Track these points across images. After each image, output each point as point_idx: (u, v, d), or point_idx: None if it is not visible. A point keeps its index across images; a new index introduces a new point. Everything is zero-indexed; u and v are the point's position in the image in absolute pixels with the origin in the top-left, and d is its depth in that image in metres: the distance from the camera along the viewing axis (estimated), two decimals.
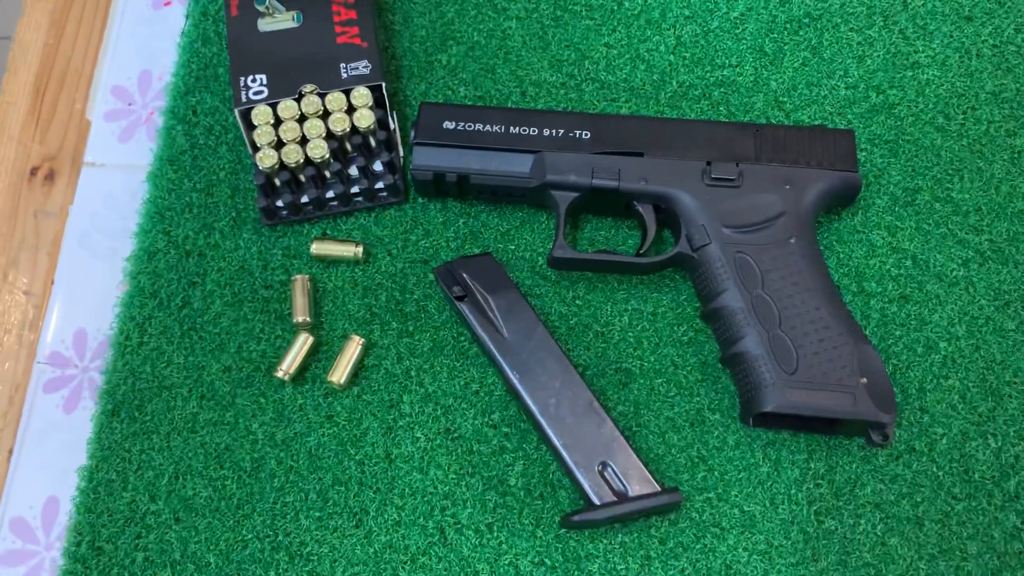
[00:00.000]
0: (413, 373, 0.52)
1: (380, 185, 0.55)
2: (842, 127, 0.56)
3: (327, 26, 0.55)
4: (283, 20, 0.55)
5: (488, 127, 0.53)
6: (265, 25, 0.55)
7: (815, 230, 0.51)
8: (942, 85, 0.57)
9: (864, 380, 0.47)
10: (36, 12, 0.63)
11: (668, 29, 0.59)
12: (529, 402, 0.49)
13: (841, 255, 0.54)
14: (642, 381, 0.51)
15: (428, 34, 0.60)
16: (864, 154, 0.56)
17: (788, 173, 0.51)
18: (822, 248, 0.54)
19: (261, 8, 0.55)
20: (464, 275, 0.52)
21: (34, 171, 0.59)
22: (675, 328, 0.52)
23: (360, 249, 0.54)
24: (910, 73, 0.58)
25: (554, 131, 0.53)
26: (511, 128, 0.53)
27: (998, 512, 0.48)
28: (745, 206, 0.51)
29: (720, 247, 0.50)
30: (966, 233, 0.54)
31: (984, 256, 0.53)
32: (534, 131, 0.53)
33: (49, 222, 0.57)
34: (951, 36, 0.58)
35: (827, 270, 0.50)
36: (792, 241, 0.50)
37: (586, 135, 0.53)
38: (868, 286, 0.53)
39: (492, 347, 0.50)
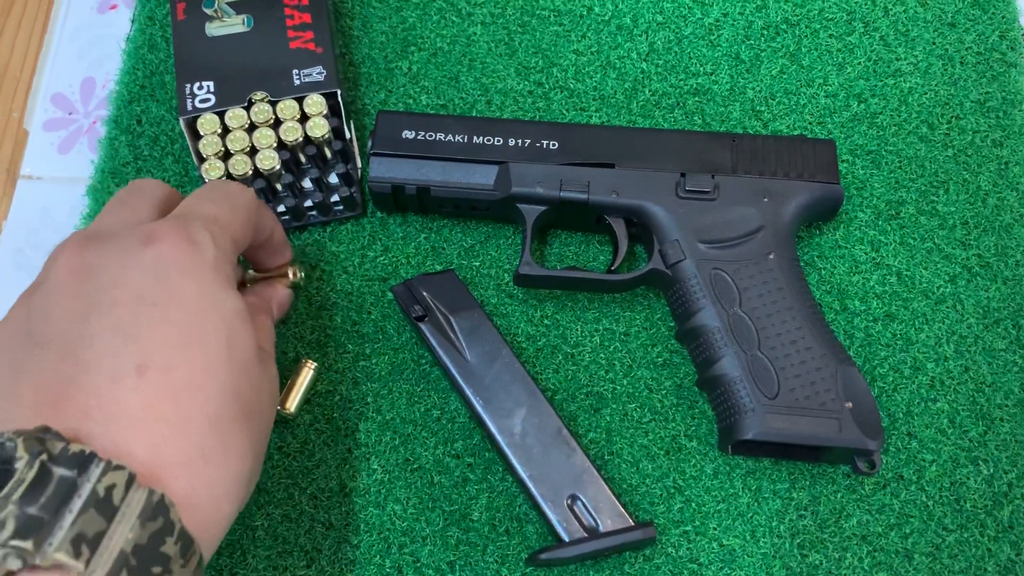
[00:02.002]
0: (370, 399, 0.49)
1: (336, 198, 0.51)
2: (822, 137, 0.54)
3: (279, 30, 0.52)
4: (232, 24, 0.52)
5: (450, 137, 0.50)
6: (213, 29, 0.52)
7: (795, 245, 0.48)
8: (925, 93, 0.55)
9: (849, 404, 0.44)
10: None
11: (640, 35, 0.57)
12: (493, 430, 0.45)
13: (823, 271, 0.51)
14: (614, 406, 0.48)
15: (388, 40, 0.57)
16: (846, 165, 0.53)
17: (766, 185, 0.49)
18: (803, 264, 0.51)
19: (209, 11, 0.52)
20: (425, 294, 0.49)
21: None
22: (649, 349, 0.49)
23: (297, 274, 0.47)
24: (892, 81, 0.55)
25: (520, 141, 0.50)
26: (474, 138, 0.50)
27: (991, 543, 0.45)
28: (721, 220, 0.48)
29: (695, 263, 0.47)
30: (953, 248, 0.51)
31: (972, 272, 0.51)
32: (499, 141, 0.50)
33: None
34: (934, 43, 0.56)
35: (808, 287, 0.47)
36: (771, 257, 0.47)
37: (554, 145, 0.50)
38: (851, 304, 0.50)
39: (454, 371, 0.47)
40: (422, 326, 0.48)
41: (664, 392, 0.49)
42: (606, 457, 0.47)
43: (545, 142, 0.50)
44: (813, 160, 0.50)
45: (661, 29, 0.57)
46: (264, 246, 0.45)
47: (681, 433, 0.48)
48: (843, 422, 0.44)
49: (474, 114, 0.55)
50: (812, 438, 0.44)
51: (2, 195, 0.55)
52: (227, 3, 0.52)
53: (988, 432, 0.48)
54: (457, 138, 0.50)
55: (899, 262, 0.51)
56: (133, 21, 0.57)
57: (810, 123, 0.54)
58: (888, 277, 0.51)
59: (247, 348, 0.36)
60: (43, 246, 0.53)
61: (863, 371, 0.49)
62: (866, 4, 0.57)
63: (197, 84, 0.50)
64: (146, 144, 0.54)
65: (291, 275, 0.47)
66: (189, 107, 0.50)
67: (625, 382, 0.49)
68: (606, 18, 0.57)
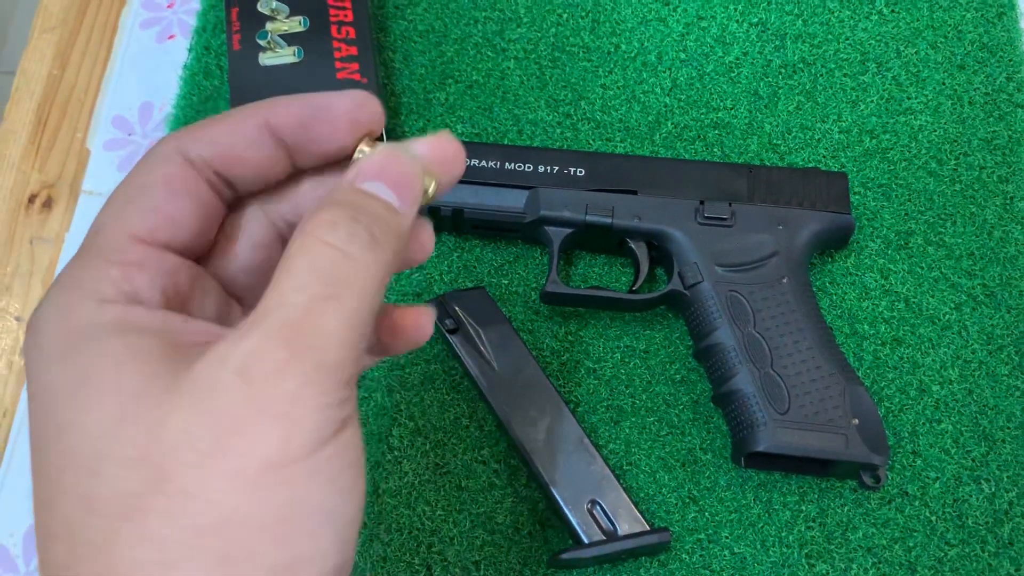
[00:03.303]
0: (403, 406, 0.52)
1: None
2: (836, 170, 0.57)
3: (327, 62, 0.55)
4: (284, 55, 0.56)
5: (484, 163, 0.54)
6: (266, 60, 0.56)
7: (808, 271, 0.51)
8: (935, 131, 0.58)
9: (856, 421, 0.47)
10: (42, 42, 0.64)
11: (664, 72, 0.60)
12: (519, 438, 0.48)
13: (834, 297, 0.54)
14: (633, 419, 0.51)
15: (427, 72, 0.60)
16: (857, 197, 0.56)
17: (781, 214, 0.52)
18: (815, 290, 0.54)
19: (263, 43, 0.56)
20: (456, 308, 0.52)
21: (32, 198, 0.59)
22: (667, 366, 0.52)
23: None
24: (903, 119, 0.58)
25: (549, 168, 0.53)
26: (506, 164, 0.54)
27: (992, 559, 0.48)
28: (738, 245, 0.51)
29: (713, 285, 0.50)
30: (959, 277, 0.54)
31: (977, 300, 0.53)
32: (529, 167, 0.54)
33: (44, 249, 0.58)
34: (943, 83, 0.59)
35: (819, 311, 0.50)
36: (784, 281, 0.50)
37: (580, 172, 0.53)
38: (861, 328, 0.53)
39: (483, 381, 0.50)
40: (453, 339, 0.51)
41: (681, 407, 0.51)
42: (625, 467, 0.50)
43: (572, 169, 0.53)
44: (826, 191, 0.53)
45: (684, 66, 0.60)
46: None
47: (697, 446, 0.50)
48: (850, 438, 0.46)
49: (506, 142, 0.59)
50: (820, 452, 0.46)
51: (65, 209, 0.58)
52: (280, 36, 0.56)
53: (990, 453, 0.50)
54: (490, 164, 0.54)
55: (907, 289, 0.54)
56: (190, 50, 0.61)
57: (824, 157, 0.57)
58: (896, 303, 0.54)
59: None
60: None
61: (871, 392, 0.51)
62: (879, 46, 0.60)
63: None
64: None
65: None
66: None
67: (644, 397, 0.52)
68: (632, 55, 0.61)
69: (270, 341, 0.23)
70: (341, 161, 0.29)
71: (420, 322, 0.31)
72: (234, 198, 0.30)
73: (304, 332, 0.23)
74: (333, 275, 0.24)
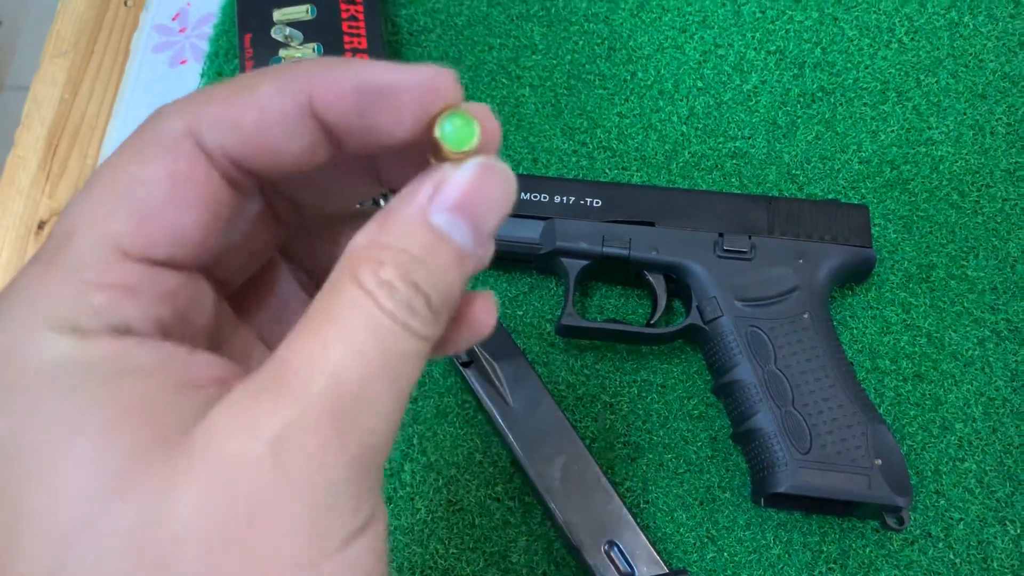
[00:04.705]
0: (416, 441, 0.51)
1: None
2: (856, 202, 0.56)
3: None
4: None
5: None
6: None
7: (829, 305, 0.50)
8: (956, 162, 0.57)
9: (879, 462, 0.46)
10: (53, 67, 0.63)
11: (681, 100, 0.59)
12: (533, 475, 0.47)
13: (855, 331, 0.53)
14: (651, 456, 0.50)
15: None
16: (878, 229, 0.55)
17: (801, 247, 0.51)
18: (835, 324, 0.53)
19: None
20: None
21: (41, 225, 0.58)
22: (685, 402, 0.51)
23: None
24: (924, 149, 0.57)
25: (565, 198, 0.53)
26: (522, 194, 0.53)
27: None
28: (758, 279, 0.50)
29: (732, 320, 0.49)
30: (982, 312, 0.53)
31: (1000, 336, 0.52)
32: (545, 197, 0.53)
33: None
34: (965, 113, 0.58)
35: (841, 347, 0.49)
36: (805, 316, 0.49)
37: (597, 203, 0.53)
38: (882, 363, 0.52)
39: (497, 416, 0.49)
40: (467, 372, 0.50)
41: (699, 444, 0.50)
42: (642, 505, 0.49)
43: (589, 200, 0.53)
44: (847, 224, 0.52)
45: (701, 94, 0.60)
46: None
47: (715, 484, 0.49)
48: (873, 479, 0.45)
49: (521, 171, 0.58)
50: (842, 493, 0.45)
51: None
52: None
53: (1015, 493, 0.49)
54: None
55: (929, 324, 0.53)
56: (202, 75, 0.61)
57: (844, 188, 0.57)
58: (918, 338, 0.53)
59: None
60: None
61: (893, 429, 0.50)
62: (899, 75, 0.59)
63: None
64: None
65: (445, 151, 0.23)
66: None
67: (662, 432, 0.51)
68: (648, 83, 0.60)
69: (315, 415, 0.19)
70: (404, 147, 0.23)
71: (487, 309, 0.25)
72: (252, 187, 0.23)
73: (354, 410, 0.19)
74: (391, 351, 0.20)
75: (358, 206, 0.30)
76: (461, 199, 0.22)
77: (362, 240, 0.21)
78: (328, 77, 0.21)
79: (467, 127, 0.22)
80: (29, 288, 0.20)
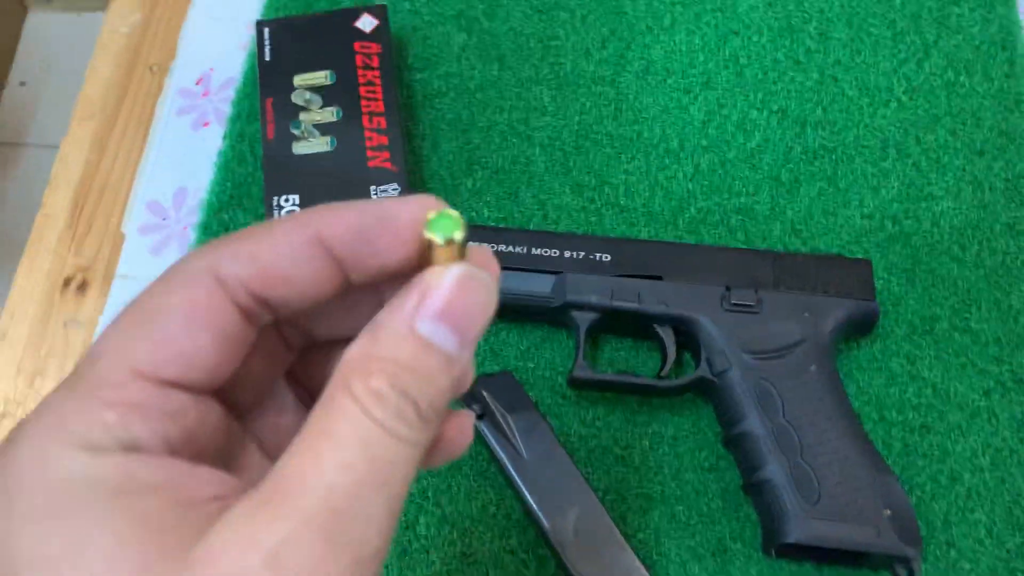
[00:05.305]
0: (430, 493, 0.52)
1: None
2: (859, 256, 0.57)
3: (359, 150, 0.57)
4: (317, 144, 0.57)
5: (511, 248, 0.54)
6: (300, 148, 0.57)
7: (835, 358, 0.51)
8: (957, 216, 0.58)
9: (888, 512, 0.46)
10: (81, 129, 0.66)
11: (686, 158, 0.61)
12: (547, 527, 0.48)
13: (860, 383, 0.54)
14: (663, 508, 0.51)
15: (455, 159, 0.62)
16: (881, 282, 0.57)
17: (807, 301, 0.52)
18: (842, 376, 0.54)
19: (296, 132, 0.57)
20: (483, 393, 0.52)
21: (67, 282, 0.60)
22: (696, 454, 0.52)
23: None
24: (924, 204, 0.59)
25: (575, 253, 0.54)
26: (533, 249, 0.54)
27: None
28: (765, 332, 0.51)
29: (741, 373, 0.50)
30: (986, 363, 0.54)
31: (1005, 387, 0.53)
32: (555, 253, 0.54)
33: (78, 332, 0.59)
34: (964, 169, 0.60)
35: (847, 398, 0.50)
36: (812, 369, 0.50)
37: (606, 258, 0.54)
38: (889, 415, 0.53)
39: (511, 468, 0.50)
40: (481, 424, 0.51)
41: (711, 495, 0.51)
42: (655, 557, 0.50)
43: (598, 255, 0.54)
44: (851, 278, 0.53)
45: (706, 152, 0.61)
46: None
47: (727, 536, 0.50)
48: (882, 529, 0.46)
49: (532, 227, 0.59)
50: (852, 544, 0.46)
51: (99, 293, 0.60)
52: (313, 125, 0.57)
53: None
54: (517, 249, 0.55)
55: (934, 375, 0.54)
56: (225, 137, 0.63)
57: (847, 242, 0.58)
58: (924, 389, 0.53)
59: None
60: None
61: (902, 480, 0.51)
62: (898, 133, 0.61)
63: (284, 197, 0.55)
64: None
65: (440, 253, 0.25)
66: (275, 217, 0.55)
67: (674, 484, 0.51)
68: (654, 142, 0.62)
69: (308, 530, 0.20)
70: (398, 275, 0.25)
71: (461, 428, 0.27)
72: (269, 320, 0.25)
73: (346, 521, 0.20)
74: (382, 459, 0.21)
75: None
76: (445, 307, 0.23)
77: (353, 352, 0.23)
78: (334, 214, 0.24)
79: (450, 219, 0.24)
80: (53, 406, 0.22)
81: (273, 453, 0.27)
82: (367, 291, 0.27)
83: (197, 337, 0.23)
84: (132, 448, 0.21)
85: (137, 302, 0.23)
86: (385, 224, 0.24)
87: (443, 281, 0.23)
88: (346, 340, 0.27)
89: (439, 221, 0.24)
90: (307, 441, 0.22)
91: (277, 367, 0.27)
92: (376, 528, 0.21)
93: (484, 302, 0.24)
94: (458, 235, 0.24)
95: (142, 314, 0.23)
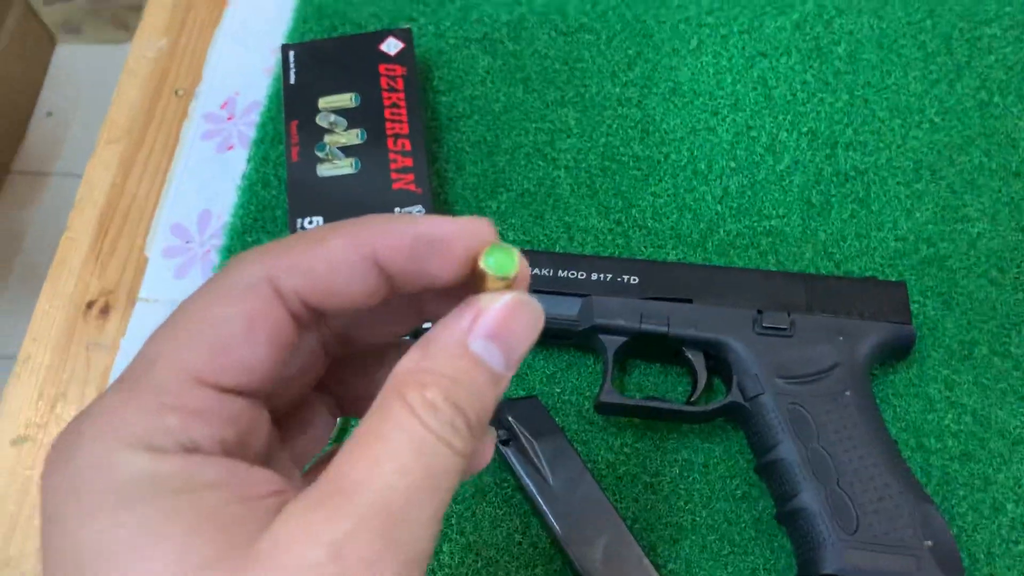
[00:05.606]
0: (454, 520, 0.50)
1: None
2: (893, 279, 0.56)
3: (384, 172, 0.56)
4: (342, 166, 0.57)
5: (536, 271, 0.54)
6: (324, 170, 0.57)
7: (870, 383, 0.50)
8: (993, 239, 0.57)
9: (929, 543, 0.45)
10: (107, 152, 0.66)
11: (715, 180, 0.60)
12: (574, 556, 0.47)
13: (898, 409, 0.52)
14: (694, 537, 0.49)
15: (480, 182, 0.61)
16: (917, 306, 0.55)
17: (841, 324, 0.51)
18: (878, 401, 0.52)
19: (321, 155, 0.57)
20: (509, 418, 0.51)
21: (90, 305, 0.60)
22: (728, 481, 0.51)
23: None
24: (960, 226, 0.58)
25: (602, 275, 0.53)
26: (559, 272, 0.54)
27: None
28: (798, 356, 0.50)
29: (773, 398, 0.49)
30: None
31: None
32: (582, 275, 0.53)
33: (100, 355, 0.58)
34: (1000, 191, 0.59)
35: (884, 424, 0.49)
36: (847, 394, 0.49)
37: (634, 280, 0.53)
38: (927, 442, 0.51)
39: (537, 495, 0.49)
40: (506, 450, 0.50)
41: (743, 525, 0.49)
42: None
43: (626, 277, 0.53)
44: (885, 301, 0.52)
45: (735, 174, 0.61)
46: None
47: (760, 566, 0.48)
48: (923, 560, 0.44)
49: (557, 250, 0.59)
50: (892, 575, 0.44)
51: (122, 316, 0.59)
52: (338, 148, 0.57)
53: None
54: (543, 272, 0.54)
55: (974, 402, 0.52)
56: (249, 160, 0.63)
57: (881, 265, 0.57)
58: (963, 416, 0.52)
59: None
60: None
61: (942, 510, 0.49)
62: (932, 154, 0.60)
63: (308, 219, 0.55)
64: None
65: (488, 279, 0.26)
66: None
67: (704, 513, 0.50)
68: (682, 164, 0.61)
69: (367, 527, 0.21)
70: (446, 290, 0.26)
71: (482, 448, 0.28)
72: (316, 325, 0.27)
73: (402, 522, 0.22)
74: (434, 466, 0.23)
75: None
76: (496, 328, 0.25)
77: (408, 364, 0.24)
78: (389, 231, 0.25)
79: (508, 256, 0.25)
80: (112, 408, 0.23)
81: (299, 454, 0.29)
82: (405, 299, 0.28)
83: (256, 347, 0.24)
84: (192, 449, 0.22)
85: (190, 308, 0.24)
86: (438, 248, 0.25)
87: (496, 304, 0.25)
88: (381, 346, 0.28)
89: (496, 255, 0.25)
90: (363, 444, 0.23)
91: (314, 372, 0.28)
92: (426, 531, 0.22)
93: (532, 326, 0.25)
94: (513, 273, 0.25)
95: (199, 321, 0.24)
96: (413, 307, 0.28)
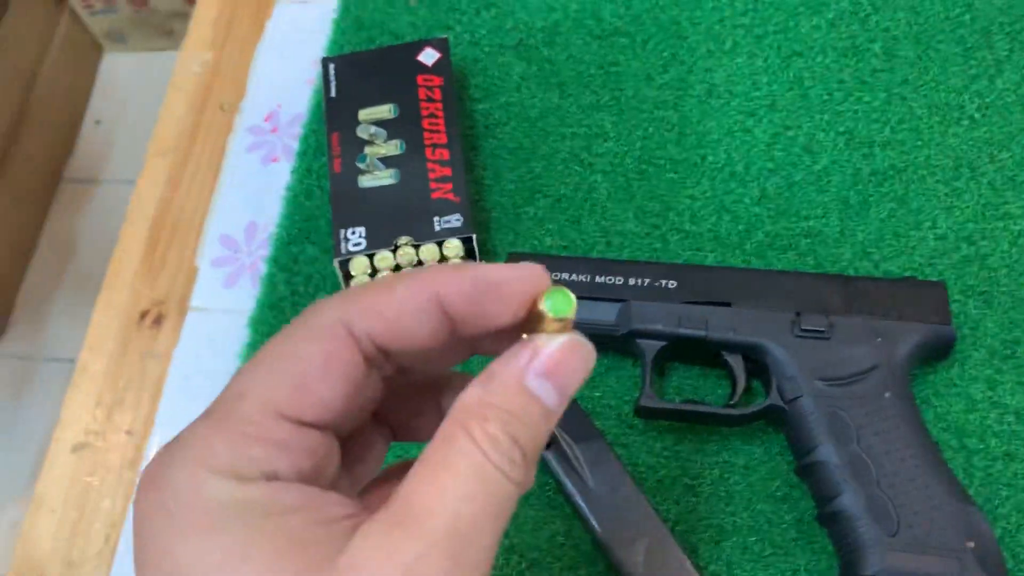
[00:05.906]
0: None
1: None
2: (933, 278, 0.56)
3: (423, 182, 0.58)
4: (382, 177, 0.58)
5: (574, 276, 0.54)
6: (366, 181, 0.58)
7: (910, 384, 0.50)
8: None
9: (971, 544, 0.45)
10: (155, 167, 0.68)
11: (752, 182, 0.61)
12: (616, 559, 0.48)
13: (939, 409, 0.52)
14: (735, 539, 0.50)
15: (516, 188, 0.62)
16: (957, 305, 0.55)
17: (879, 326, 0.51)
18: (918, 402, 0.52)
19: (362, 166, 0.58)
20: None
21: (143, 315, 0.62)
22: (768, 483, 0.51)
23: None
24: (1001, 224, 0.57)
25: (640, 280, 0.54)
26: (596, 277, 0.54)
27: None
28: (836, 358, 0.50)
29: (813, 400, 0.49)
30: None
31: None
32: (620, 280, 0.54)
33: (154, 364, 0.60)
34: None
35: (924, 426, 0.49)
36: (887, 395, 0.49)
37: (672, 284, 0.54)
38: (969, 442, 0.51)
39: (578, 498, 0.50)
40: (547, 454, 0.51)
41: (784, 526, 0.50)
42: None
43: (664, 281, 0.54)
44: (924, 301, 0.52)
45: (772, 175, 0.61)
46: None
47: (802, 568, 0.49)
48: (965, 562, 0.44)
49: (595, 255, 0.59)
50: None
51: (174, 326, 0.61)
52: (378, 159, 0.59)
53: None
54: (581, 277, 0.54)
55: (1017, 401, 0.52)
56: (293, 172, 0.65)
57: (920, 264, 0.56)
58: (1006, 416, 0.52)
59: None
60: (209, 373, 0.59)
61: (984, 510, 0.49)
62: (972, 151, 0.60)
63: (351, 230, 0.56)
64: (301, 282, 0.60)
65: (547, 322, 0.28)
66: (343, 250, 0.56)
67: (745, 515, 0.50)
68: (719, 166, 0.61)
69: (438, 550, 0.23)
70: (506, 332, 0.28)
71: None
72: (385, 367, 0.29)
73: (468, 546, 0.24)
74: (495, 494, 0.25)
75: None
76: (552, 367, 0.26)
77: (470, 398, 0.26)
78: (451, 277, 0.27)
79: (566, 299, 0.27)
80: (202, 438, 0.25)
81: (356, 477, 0.31)
82: (463, 338, 0.29)
83: (334, 385, 0.26)
84: (272, 477, 0.24)
85: (276, 346, 0.27)
86: (497, 293, 0.27)
87: (552, 345, 0.27)
88: (434, 376, 0.31)
89: (554, 298, 0.27)
90: (431, 472, 0.25)
91: (373, 403, 0.30)
92: (488, 554, 0.24)
93: (584, 367, 0.27)
94: (570, 314, 0.27)
95: (283, 360, 0.26)
96: (467, 345, 0.30)
